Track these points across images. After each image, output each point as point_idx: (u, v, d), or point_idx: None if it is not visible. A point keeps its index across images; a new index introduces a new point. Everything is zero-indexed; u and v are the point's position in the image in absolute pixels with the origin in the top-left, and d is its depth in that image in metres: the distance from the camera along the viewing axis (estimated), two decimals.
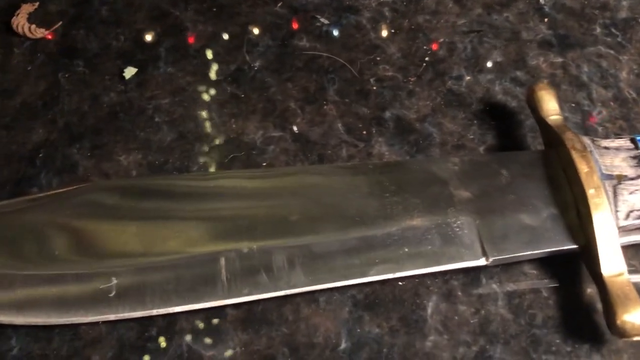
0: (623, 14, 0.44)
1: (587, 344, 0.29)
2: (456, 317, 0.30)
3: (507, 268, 0.31)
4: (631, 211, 0.29)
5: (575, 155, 0.30)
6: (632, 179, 0.30)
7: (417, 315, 0.30)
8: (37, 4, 0.45)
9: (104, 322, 0.30)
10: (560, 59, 0.41)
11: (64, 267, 0.30)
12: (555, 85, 0.40)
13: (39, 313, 0.30)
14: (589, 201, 0.29)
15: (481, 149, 0.37)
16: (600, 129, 0.37)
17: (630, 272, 0.31)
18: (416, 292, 0.31)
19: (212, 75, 0.41)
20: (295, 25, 0.44)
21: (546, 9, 0.44)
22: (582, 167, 0.30)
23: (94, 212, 0.32)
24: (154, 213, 0.32)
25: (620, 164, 0.31)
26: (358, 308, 0.30)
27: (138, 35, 0.44)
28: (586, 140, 0.31)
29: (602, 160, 0.31)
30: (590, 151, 0.31)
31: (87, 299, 0.30)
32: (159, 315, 0.30)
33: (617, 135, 0.36)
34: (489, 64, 0.41)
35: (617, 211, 0.29)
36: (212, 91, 0.40)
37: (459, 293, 0.31)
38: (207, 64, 0.42)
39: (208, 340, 0.30)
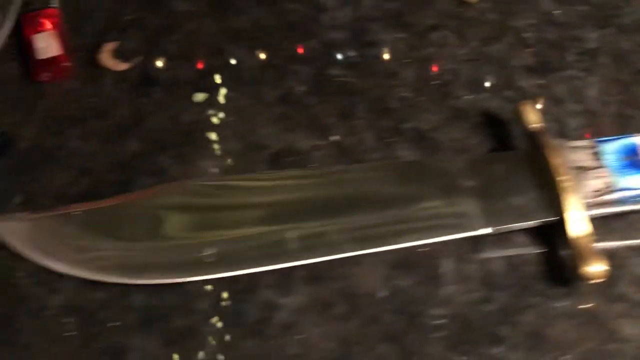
0: (593, 45, 0.54)
1: (564, 288, 0.39)
2: (466, 273, 0.40)
3: (502, 238, 0.41)
4: (590, 191, 0.40)
5: (551, 153, 0.41)
6: (592, 168, 0.41)
7: (436, 272, 0.40)
8: (116, 42, 0.56)
9: (204, 281, 0.40)
10: (542, 81, 0.52)
11: (174, 239, 0.41)
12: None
13: (154, 275, 0.40)
14: (561, 185, 0.39)
15: (480, 151, 0.47)
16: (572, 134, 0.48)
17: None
18: (435, 256, 0.41)
19: (265, 98, 0.52)
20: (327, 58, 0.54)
21: (530, 41, 0.55)
22: (556, 161, 0.40)
23: (191, 201, 0.43)
24: (236, 200, 0.43)
25: (583, 158, 0.41)
26: (392, 268, 0.41)
27: (202, 67, 0.54)
28: (558, 142, 0.42)
29: (570, 156, 0.41)
30: (562, 150, 0.41)
31: (190, 263, 0.40)
32: (244, 275, 0.40)
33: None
34: (486, 85, 0.52)
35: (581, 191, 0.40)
36: (266, 111, 0.51)
37: (467, 256, 0.41)
38: (260, 90, 0.52)
39: (282, 292, 0.40)
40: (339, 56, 0.54)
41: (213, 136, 0.49)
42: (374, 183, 0.43)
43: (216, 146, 0.48)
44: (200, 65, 0.54)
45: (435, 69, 0.53)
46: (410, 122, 0.49)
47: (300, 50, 0.55)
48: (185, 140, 0.49)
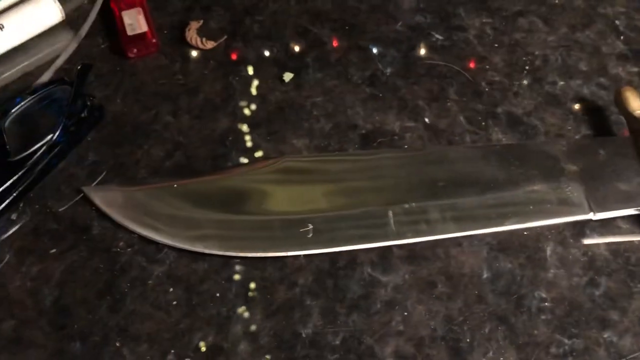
0: None
1: None
2: (570, 257, 0.40)
3: (605, 223, 0.41)
4: None
5: None
6: None
7: (539, 255, 0.40)
8: (202, 21, 0.56)
9: (304, 256, 0.40)
10: (635, 69, 0.51)
11: (272, 216, 0.41)
12: None
13: (255, 249, 0.40)
14: None
15: (577, 136, 0.47)
16: None
17: None
18: (537, 239, 0.41)
19: (352, 79, 0.52)
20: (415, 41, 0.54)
21: (621, 28, 0.54)
22: None
23: (289, 177, 0.43)
24: (334, 177, 0.43)
25: None
26: (493, 250, 0.40)
27: (287, 47, 0.54)
28: None
29: None
30: None
31: (291, 238, 0.40)
32: (343, 251, 0.40)
33: None
34: (578, 72, 0.51)
35: None
36: (355, 92, 0.51)
37: (570, 240, 0.40)
38: (346, 70, 0.52)
39: (383, 270, 0.40)
40: (426, 39, 0.54)
41: (301, 115, 0.49)
42: (475, 165, 0.43)
43: (305, 125, 0.48)
44: (285, 46, 0.54)
45: (524, 54, 0.52)
46: (503, 106, 0.49)
47: (386, 33, 0.55)
48: (274, 119, 0.49)
